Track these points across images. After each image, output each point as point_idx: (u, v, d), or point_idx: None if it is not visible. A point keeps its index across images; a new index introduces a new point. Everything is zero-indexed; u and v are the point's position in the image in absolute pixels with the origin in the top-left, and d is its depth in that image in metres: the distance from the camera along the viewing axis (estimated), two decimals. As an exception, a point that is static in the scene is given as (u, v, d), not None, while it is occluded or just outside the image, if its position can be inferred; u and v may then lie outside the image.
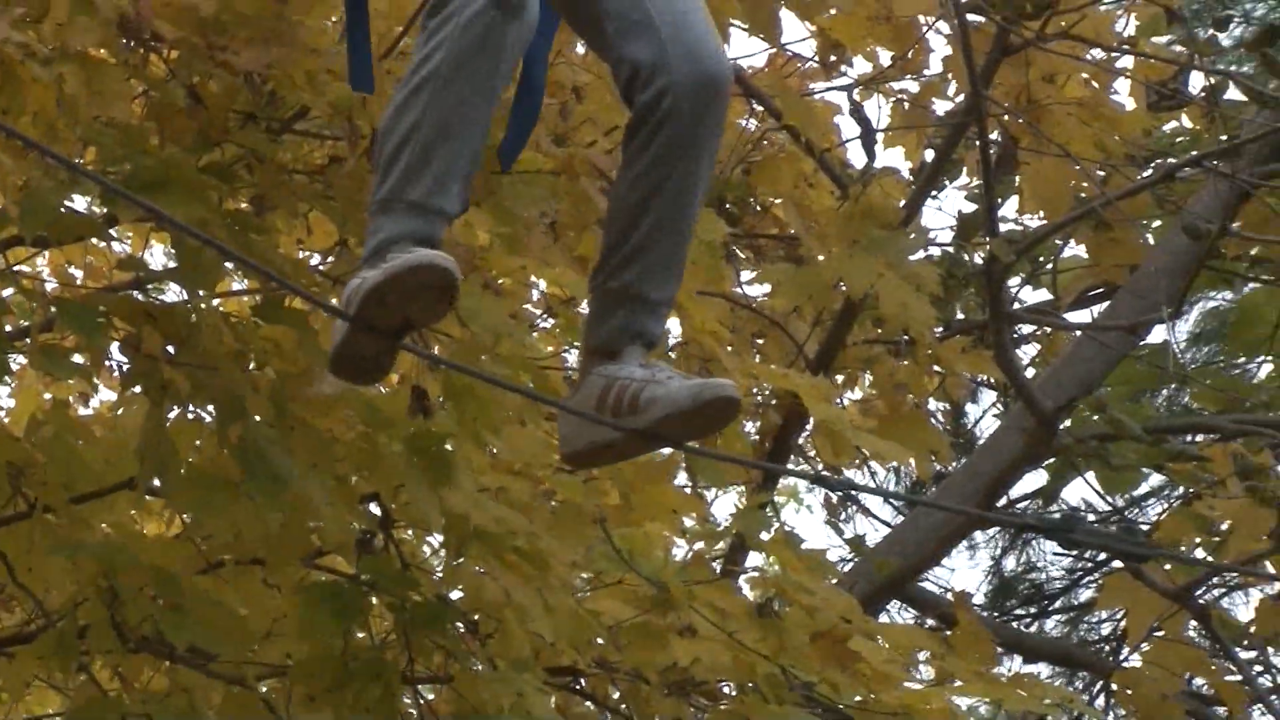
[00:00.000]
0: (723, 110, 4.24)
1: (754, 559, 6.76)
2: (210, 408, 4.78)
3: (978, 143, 6.81)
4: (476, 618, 5.23)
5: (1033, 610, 10.32)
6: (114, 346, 4.74)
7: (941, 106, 7.76)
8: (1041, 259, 8.48)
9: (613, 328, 4.15)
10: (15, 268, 5.89)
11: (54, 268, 6.61)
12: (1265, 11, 10.28)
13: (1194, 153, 7.49)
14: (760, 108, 7.20)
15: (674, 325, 5.84)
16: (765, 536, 6.06)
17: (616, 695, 5.94)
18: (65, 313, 4.66)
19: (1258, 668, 8.05)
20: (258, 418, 4.68)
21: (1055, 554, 10.10)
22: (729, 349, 6.18)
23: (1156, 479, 8.54)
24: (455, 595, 5.26)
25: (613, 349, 4.13)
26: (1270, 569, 7.23)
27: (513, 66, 4.07)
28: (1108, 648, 9.63)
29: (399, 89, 4.00)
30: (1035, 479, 9.18)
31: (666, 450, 7.35)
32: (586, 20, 4.26)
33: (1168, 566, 7.51)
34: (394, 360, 4.05)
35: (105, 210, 4.75)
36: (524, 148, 4.64)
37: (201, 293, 4.80)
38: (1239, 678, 7.68)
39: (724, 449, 6.28)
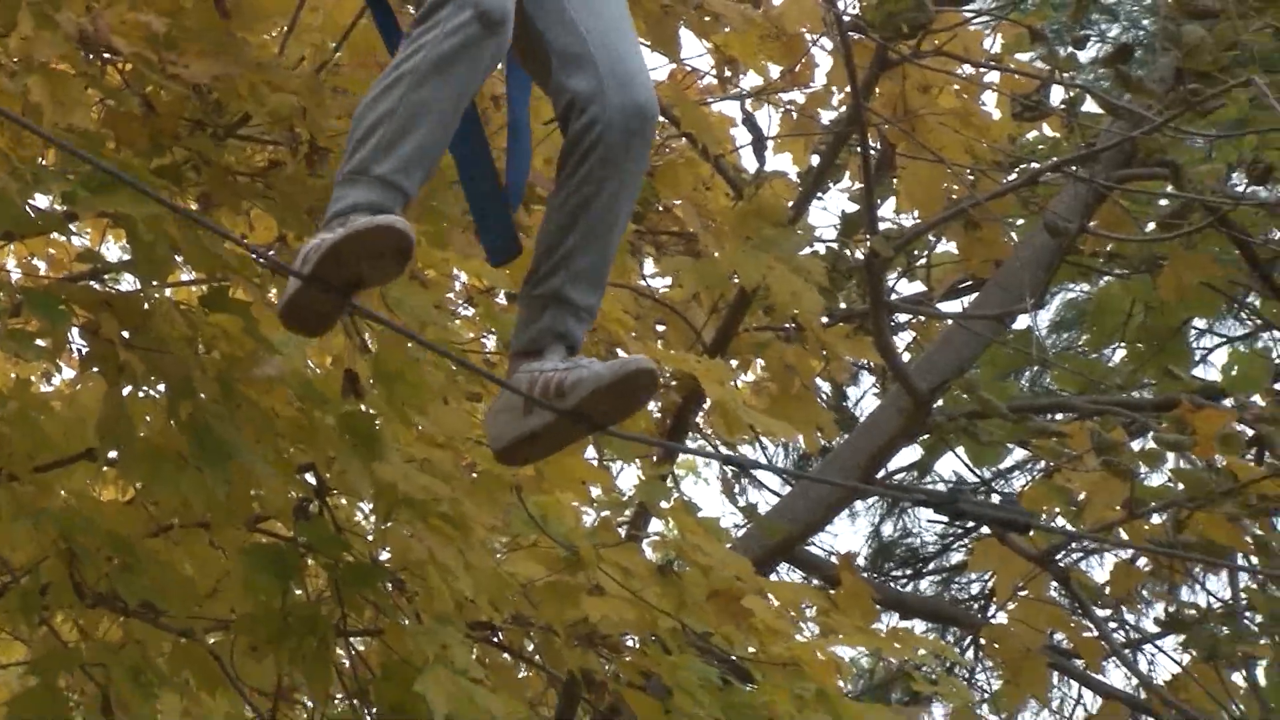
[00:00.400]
0: (648, 137, 4.27)
1: (656, 525, 6.79)
2: (162, 387, 4.79)
3: (859, 149, 6.79)
4: (404, 576, 5.25)
5: (909, 571, 10.35)
6: (74, 331, 4.76)
7: (826, 116, 7.77)
8: (917, 254, 8.54)
9: (539, 329, 4.16)
10: (-16, 260, 5.96)
11: (19, 260, 6.57)
12: (1119, 32, 10.37)
13: (1054, 158, 7.52)
14: (662, 118, 7.26)
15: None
16: (666, 504, 6.08)
17: (531, 647, 5.99)
18: (30, 300, 4.66)
19: (1112, 624, 8.08)
20: (205, 396, 4.69)
21: (929, 521, 10.17)
22: (634, 335, 6.21)
23: (1020, 453, 8.58)
24: (384, 556, 5.31)
25: (537, 349, 4.13)
26: (1123, 535, 7.29)
27: (483, 80, 4.06)
28: (977, 606, 9.66)
29: (377, 81, 3.99)
30: (911, 453, 9.22)
31: None
32: (536, 58, 4.26)
33: (1033, 533, 7.60)
34: (340, 314, 4.03)
35: (66, 208, 4.75)
36: (526, 183, 4.59)
37: (154, 283, 4.80)
38: (1095, 634, 7.75)
39: (631, 425, 6.35)
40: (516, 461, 4.49)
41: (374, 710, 5.36)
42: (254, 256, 4.84)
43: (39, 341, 4.79)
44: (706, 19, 6.55)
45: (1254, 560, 7.45)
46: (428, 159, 3.97)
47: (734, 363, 7.43)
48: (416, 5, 4.08)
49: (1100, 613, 7.81)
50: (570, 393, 4.00)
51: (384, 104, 3.90)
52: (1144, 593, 8.00)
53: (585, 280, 4.19)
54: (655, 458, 7.05)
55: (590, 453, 6.43)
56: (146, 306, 4.70)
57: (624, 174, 4.18)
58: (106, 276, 5.23)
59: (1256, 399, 7.87)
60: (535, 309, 4.17)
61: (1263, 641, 7.43)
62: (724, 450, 8.63)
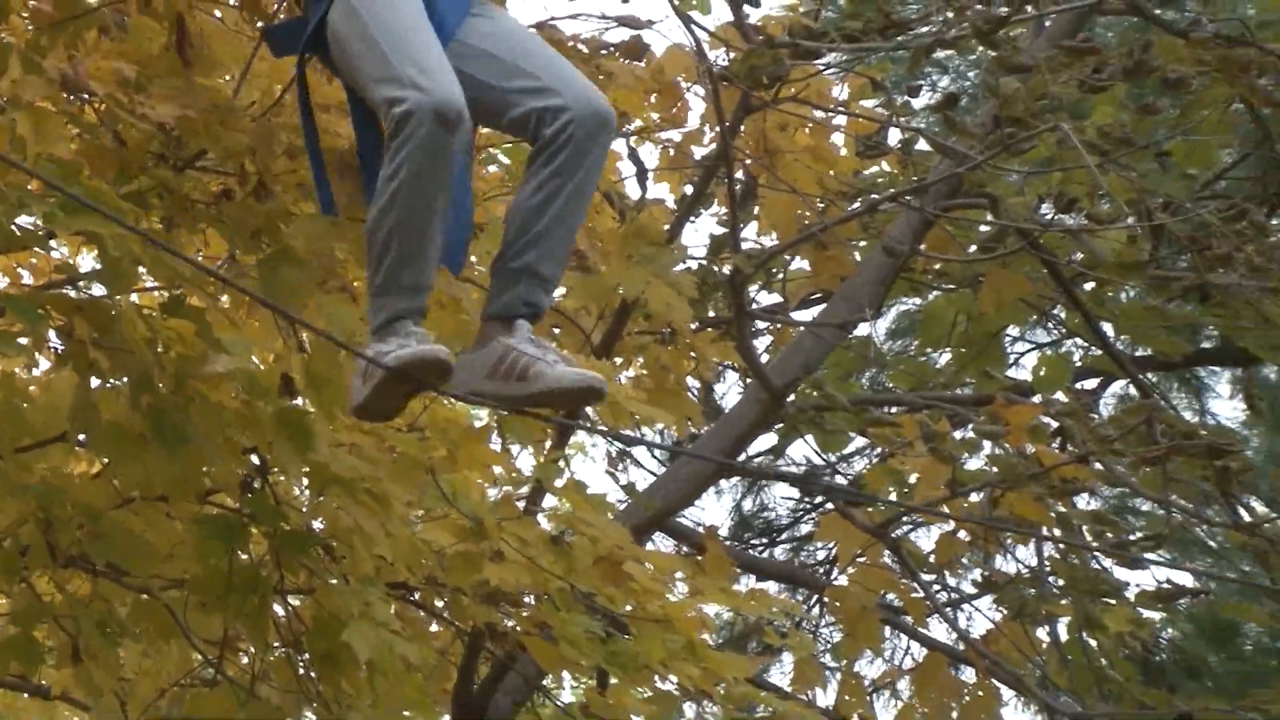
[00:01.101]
0: (609, 139, 4.34)
1: (550, 500, 6.81)
2: (125, 380, 4.77)
3: (726, 180, 6.74)
4: (333, 543, 5.29)
5: (764, 541, 10.37)
6: (51, 332, 4.77)
7: (698, 152, 7.84)
8: (774, 270, 8.48)
9: (511, 297, 4.20)
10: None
11: (5, 270, 6.56)
12: (947, 83, 10.45)
13: (891, 190, 7.55)
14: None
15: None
16: (559, 483, 6.16)
17: (441, 605, 6.01)
18: (13, 305, 4.61)
19: (936, 586, 8.12)
20: (162, 388, 4.69)
21: (783, 497, 10.24)
22: None
23: (860, 441, 8.61)
24: (317, 526, 5.33)
25: (508, 315, 4.17)
26: (946, 510, 7.26)
27: (455, 162, 4.10)
28: (821, 570, 9.68)
29: (378, 196, 4.05)
30: (768, 439, 9.27)
31: (482, 414, 7.42)
32: (492, 109, 4.30)
33: (870, 509, 7.67)
34: (403, 409, 4.24)
35: (46, 227, 4.67)
36: (466, 250, 4.66)
37: (120, 292, 4.75)
38: (921, 594, 7.78)
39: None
40: (465, 400, 4.56)
41: (306, 657, 5.37)
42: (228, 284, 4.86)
43: (21, 340, 4.77)
44: (601, 77, 6.58)
45: (1056, 533, 7.56)
46: (436, 247, 4.09)
47: (618, 361, 7.43)
48: (378, 110, 4.12)
49: (926, 577, 7.83)
50: (532, 381, 4.05)
51: (390, 217, 4.01)
52: (963, 560, 8.05)
53: (552, 257, 4.25)
54: (549, 444, 7.13)
55: (495, 441, 6.46)
56: (113, 312, 4.67)
57: (587, 170, 4.23)
58: (79, 285, 5.24)
59: (1060, 396, 7.96)
60: (510, 279, 4.22)
61: (1063, 602, 7.45)
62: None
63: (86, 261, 6.46)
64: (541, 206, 4.23)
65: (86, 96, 4.73)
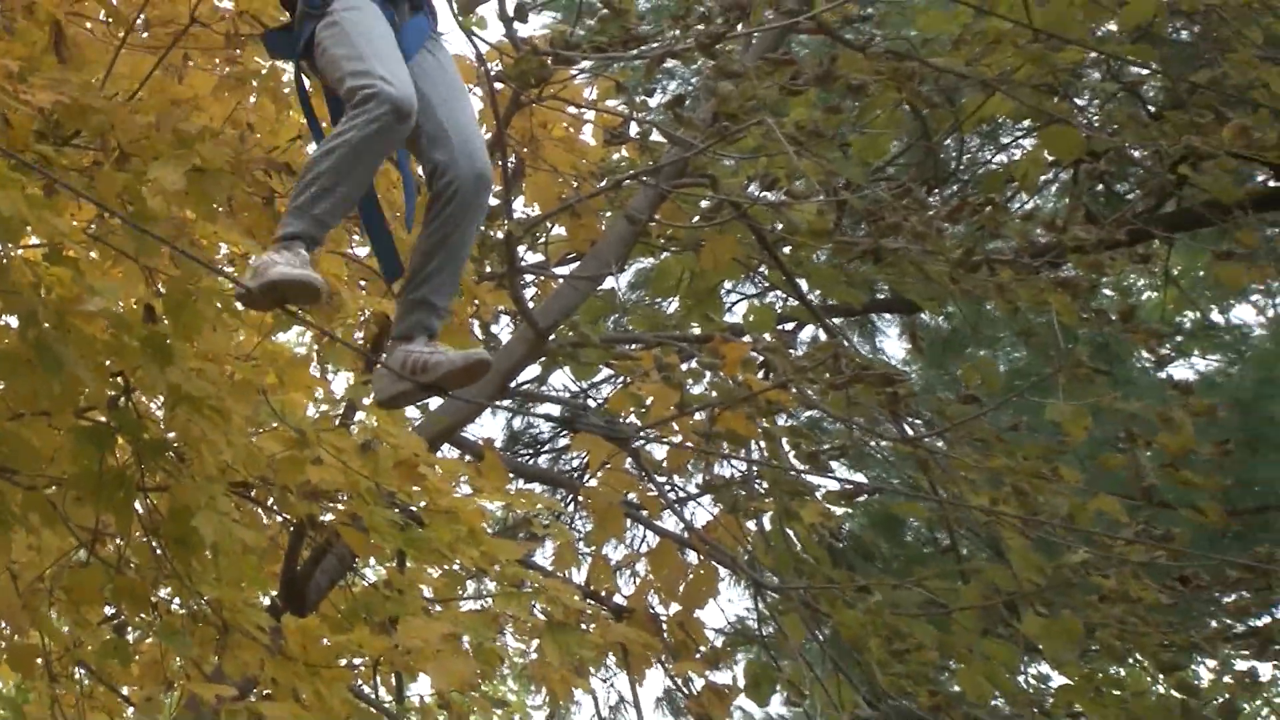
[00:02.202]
0: (487, 196, 4.38)
1: (359, 415, 6.78)
2: (15, 317, 4.79)
3: (500, 163, 6.79)
4: (184, 450, 5.26)
5: (531, 451, 10.33)
6: None
7: (479, 141, 7.86)
8: (538, 235, 8.51)
9: (412, 322, 4.29)
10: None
11: None
12: (676, 86, 10.42)
13: (632, 171, 7.59)
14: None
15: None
16: (366, 401, 6.18)
17: (271, 500, 5.98)
18: None
19: (668, 487, 8.14)
20: (46, 325, 4.68)
21: (547, 419, 10.14)
22: (345, 284, 6.32)
23: (607, 372, 8.57)
24: (171, 435, 5.30)
25: (409, 335, 4.26)
26: (675, 427, 7.39)
27: (392, 151, 4.19)
28: (576, 474, 9.64)
29: (326, 140, 4.07)
30: (533, 370, 9.21)
31: (304, 338, 7.39)
32: (412, 139, 4.28)
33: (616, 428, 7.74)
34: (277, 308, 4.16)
35: None
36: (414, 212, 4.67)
37: (10, 245, 4.80)
38: (655, 493, 7.84)
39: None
40: (389, 408, 4.58)
41: (163, 542, 5.34)
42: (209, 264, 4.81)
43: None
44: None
45: (762, 444, 7.59)
46: (347, 204, 4.10)
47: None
48: (345, 94, 4.11)
49: (659, 479, 7.88)
50: (432, 370, 4.16)
51: (325, 163, 4.03)
52: (689, 466, 8.08)
53: (443, 291, 4.32)
54: (358, 371, 7.10)
55: (315, 368, 6.47)
56: (4, 261, 4.69)
57: (471, 219, 4.29)
58: None
59: (765, 336, 7.95)
60: (410, 308, 4.30)
61: (768, 500, 7.45)
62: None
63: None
64: (433, 250, 4.28)
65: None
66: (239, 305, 4.52)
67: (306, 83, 4.58)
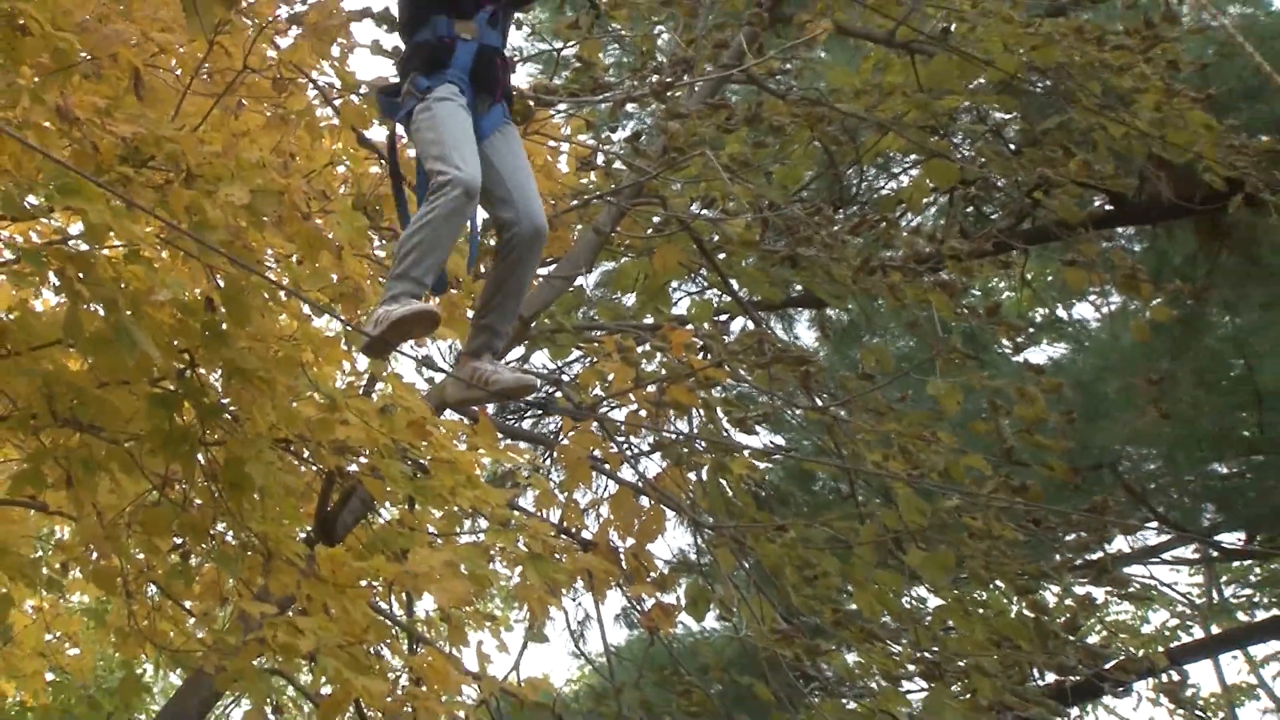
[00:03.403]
0: (542, 245, 4.45)
1: (379, 386, 6.63)
2: (100, 305, 4.68)
3: None
4: (238, 412, 5.17)
5: (515, 414, 9.92)
6: (51, 273, 4.65)
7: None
8: None
9: (480, 343, 4.44)
10: None
11: (20, 232, 6.16)
12: (634, 124, 10.41)
13: (599, 192, 7.55)
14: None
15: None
16: (385, 373, 6.08)
17: (308, 454, 5.86)
18: (25, 255, 4.61)
19: (626, 446, 8.02)
20: (126, 312, 4.64)
21: (526, 404, 9.79)
22: (370, 281, 6.14)
23: (578, 352, 8.46)
24: (226, 400, 5.23)
25: (478, 353, 4.41)
26: (632, 397, 7.28)
27: (465, 220, 4.18)
28: (553, 434, 9.11)
29: (414, 221, 4.15)
30: (518, 351, 9.02)
31: (335, 326, 7.29)
32: (487, 199, 4.36)
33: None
34: (395, 349, 4.24)
35: (48, 203, 4.61)
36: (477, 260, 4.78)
37: (97, 246, 4.70)
38: (616, 450, 7.69)
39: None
40: (458, 409, 4.91)
41: (219, 485, 5.30)
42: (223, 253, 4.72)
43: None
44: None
45: (702, 412, 7.56)
46: (438, 265, 4.14)
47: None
48: (429, 185, 4.18)
49: (619, 438, 7.82)
50: (492, 385, 4.33)
51: (417, 237, 4.10)
52: (644, 429, 8.05)
53: (505, 319, 4.44)
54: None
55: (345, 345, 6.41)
56: (92, 259, 4.65)
57: (528, 264, 4.38)
58: (70, 242, 5.10)
59: (705, 325, 7.96)
60: (480, 331, 4.44)
61: (706, 456, 7.47)
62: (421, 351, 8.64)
63: (75, 227, 6.28)
64: (498, 286, 4.38)
65: (73, 119, 4.60)
66: (362, 355, 4.57)
67: (382, 131, 4.72)
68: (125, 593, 5.78)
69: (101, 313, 4.70)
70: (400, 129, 4.67)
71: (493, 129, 4.47)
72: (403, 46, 4.61)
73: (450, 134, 4.22)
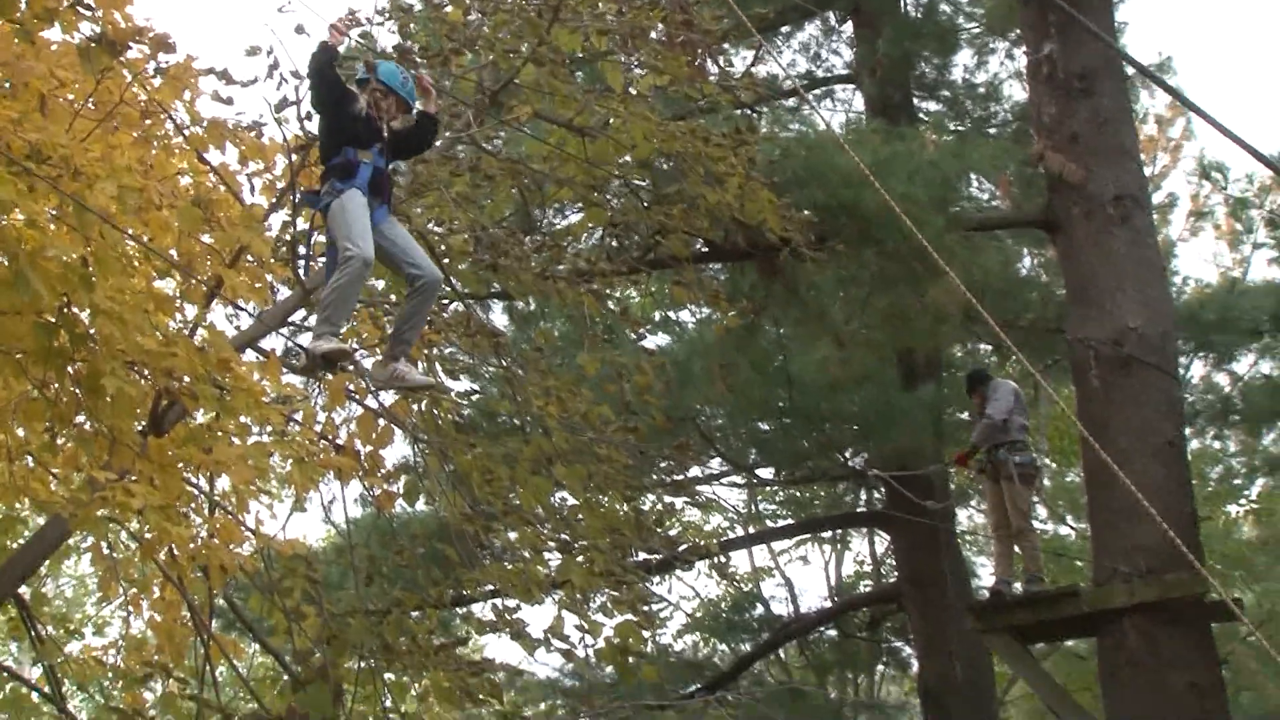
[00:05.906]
0: (439, 288, 4.63)
1: (201, 333, 5.71)
2: (5, 258, 4.41)
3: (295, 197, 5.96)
4: (98, 340, 4.73)
5: (296, 357, 9.14)
6: None
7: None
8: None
9: (396, 351, 4.59)
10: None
11: None
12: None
13: None
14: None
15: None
16: (205, 323, 5.65)
17: (146, 373, 5.21)
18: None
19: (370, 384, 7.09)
20: (25, 264, 4.38)
21: (301, 348, 9.04)
22: None
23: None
24: (92, 330, 4.77)
25: (395, 358, 4.56)
26: (378, 349, 6.58)
27: (363, 284, 4.29)
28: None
29: (328, 287, 4.21)
30: (301, 314, 7.04)
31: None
32: (390, 264, 4.58)
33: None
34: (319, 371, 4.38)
35: None
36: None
37: (4, 216, 4.54)
38: (363, 385, 6.75)
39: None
40: (378, 386, 4.87)
41: (83, 389, 4.87)
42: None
43: None
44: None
45: (425, 365, 7.19)
46: (346, 315, 4.36)
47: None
48: (339, 257, 4.24)
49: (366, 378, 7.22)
50: (404, 381, 4.54)
51: (332, 296, 4.31)
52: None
53: (411, 338, 4.65)
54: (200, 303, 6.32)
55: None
56: (1, 225, 4.37)
57: (429, 301, 4.60)
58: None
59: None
60: (396, 343, 4.60)
61: (427, 394, 6.87)
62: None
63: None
64: (408, 318, 4.57)
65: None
66: (295, 375, 4.55)
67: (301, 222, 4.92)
68: (9, 459, 5.60)
69: (6, 263, 4.56)
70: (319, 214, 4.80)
71: (383, 220, 4.65)
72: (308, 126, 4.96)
73: (356, 220, 4.39)
